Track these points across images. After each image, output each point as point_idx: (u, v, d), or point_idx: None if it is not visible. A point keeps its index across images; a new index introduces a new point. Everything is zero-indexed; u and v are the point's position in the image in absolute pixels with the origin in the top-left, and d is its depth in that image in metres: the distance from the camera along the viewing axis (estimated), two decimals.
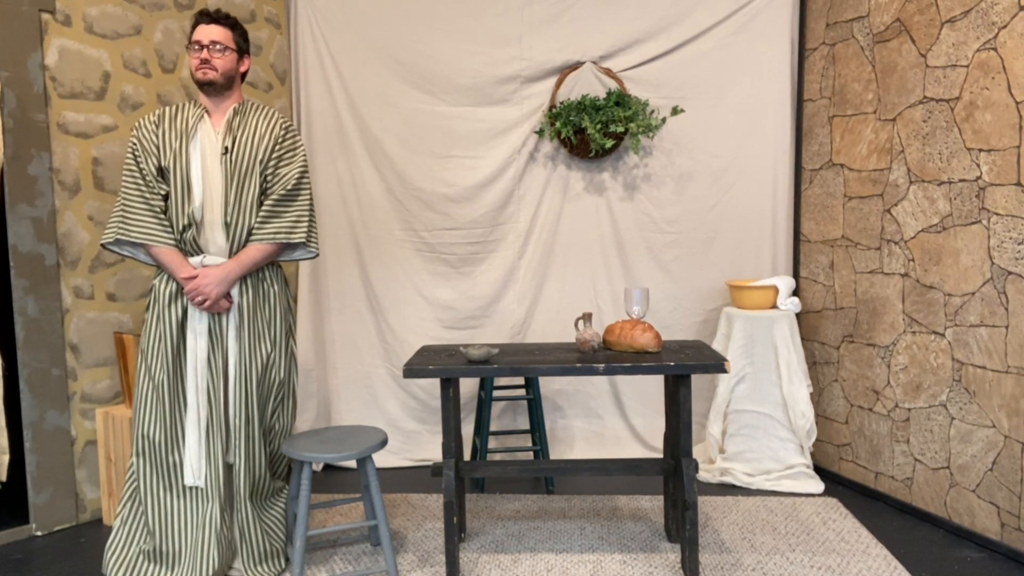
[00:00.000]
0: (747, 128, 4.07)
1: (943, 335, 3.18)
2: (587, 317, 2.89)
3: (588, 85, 4.04)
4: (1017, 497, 2.89)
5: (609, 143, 3.89)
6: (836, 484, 3.76)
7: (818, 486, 3.63)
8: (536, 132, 4.08)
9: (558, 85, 4.04)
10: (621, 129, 3.86)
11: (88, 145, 3.36)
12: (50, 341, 3.26)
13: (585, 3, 4.04)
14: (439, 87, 4.07)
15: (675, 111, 3.95)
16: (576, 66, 4.05)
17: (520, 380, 4.03)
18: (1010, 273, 2.88)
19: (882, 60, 3.46)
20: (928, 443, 3.28)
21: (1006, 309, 2.90)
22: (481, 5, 4.05)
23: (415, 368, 2.71)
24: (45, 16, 3.22)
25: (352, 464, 4.09)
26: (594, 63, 4.05)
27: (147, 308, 2.79)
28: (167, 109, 2.77)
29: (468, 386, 4.16)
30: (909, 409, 3.37)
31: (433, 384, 4.16)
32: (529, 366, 2.72)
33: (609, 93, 3.97)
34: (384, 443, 2.85)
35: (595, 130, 3.85)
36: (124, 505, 2.78)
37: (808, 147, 3.99)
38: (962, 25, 3.05)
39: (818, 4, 3.88)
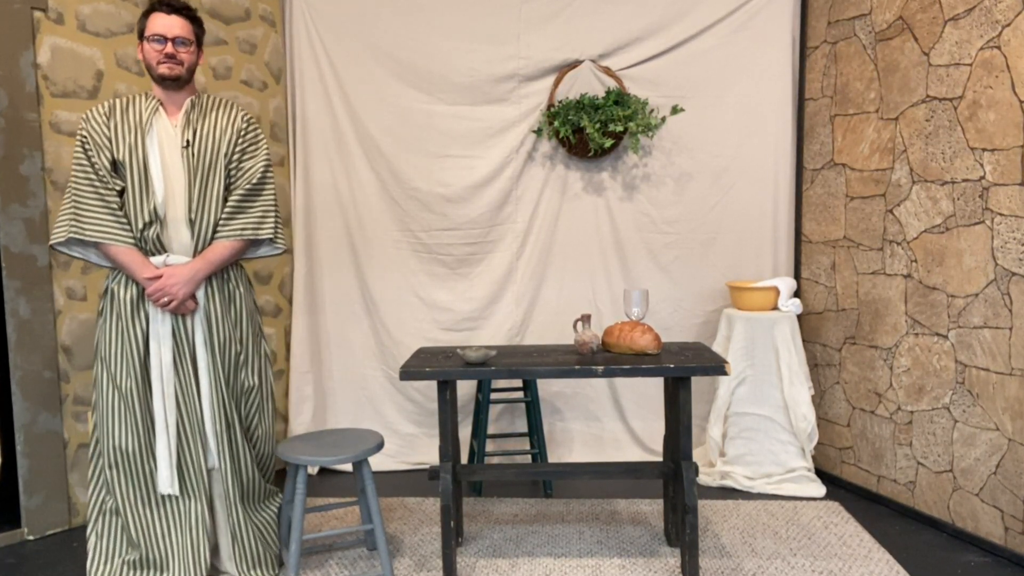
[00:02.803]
0: (748, 127, 4.04)
1: (946, 337, 3.15)
2: (586, 319, 2.86)
3: (587, 84, 4.01)
4: (1021, 501, 2.85)
5: (608, 142, 3.86)
6: (838, 488, 3.73)
7: (819, 490, 3.60)
8: (534, 131, 4.04)
9: (556, 84, 4.01)
10: (620, 128, 3.83)
11: None
12: (42, 343, 3.22)
13: (583, 1, 4.01)
14: (436, 86, 4.04)
15: (675, 110, 3.91)
16: (575, 64, 4.02)
17: (518, 382, 4.00)
18: (1014, 274, 2.85)
19: (884, 58, 3.43)
20: (931, 446, 3.24)
21: (1010, 311, 2.87)
22: (479, 3, 4.02)
23: (412, 370, 2.68)
24: (37, 14, 3.18)
25: (348, 468, 4.06)
26: (593, 61, 4.02)
27: (100, 313, 2.66)
28: (117, 101, 2.63)
29: (465, 388, 4.13)
30: (912, 412, 3.33)
31: (430, 387, 4.12)
32: (527, 368, 2.69)
33: (608, 92, 3.94)
34: (380, 446, 2.83)
35: (594, 129, 3.81)
36: (95, 521, 2.70)
37: (809, 147, 3.96)
38: (965, 23, 3.02)
39: (819, 2, 3.85)
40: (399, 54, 4.03)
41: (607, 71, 4.01)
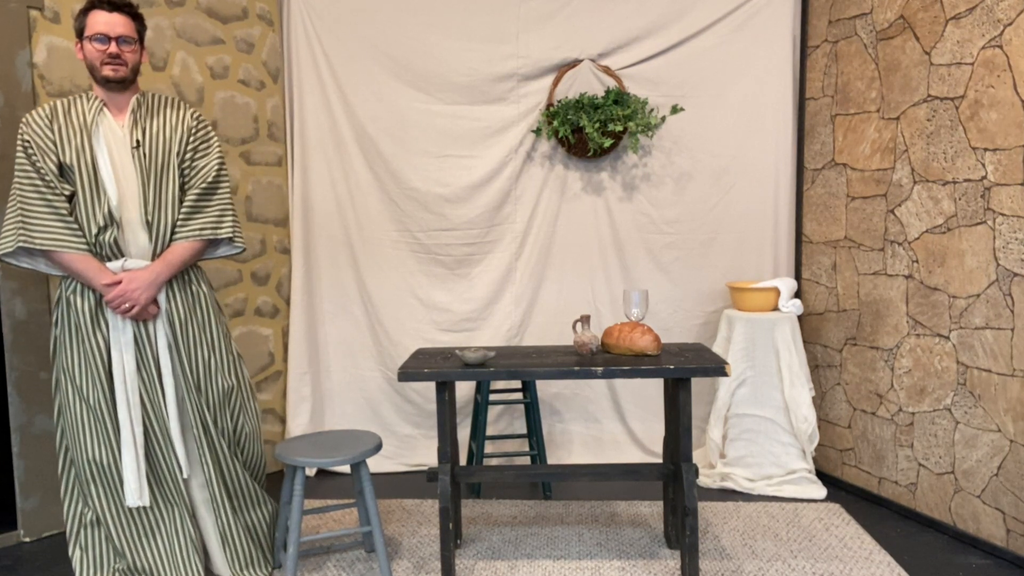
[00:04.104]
0: (748, 127, 4.02)
1: (948, 338, 3.13)
2: (585, 319, 2.84)
3: (586, 83, 3.99)
4: (1023, 503, 2.84)
5: (607, 142, 3.84)
6: (839, 489, 3.71)
7: (820, 491, 3.58)
8: (533, 131, 4.02)
9: (556, 83, 3.99)
10: (620, 128, 3.81)
11: None
12: (38, 344, 3.20)
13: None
14: (434, 85, 4.02)
15: (675, 110, 3.89)
16: (574, 64, 4.00)
17: (517, 384, 3.98)
18: (1016, 275, 2.83)
19: (885, 58, 3.41)
20: (932, 448, 3.23)
21: (1012, 311, 2.85)
22: (477, 2, 4.00)
23: (410, 371, 2.66)
24: (33, 13, 3.16)
25: (346, 469, 4.04)
26: (592, 61, 4.00)
27: (55, 323, 2.59)
28: (58, 103, 2.53)
29: (464, 390, 4.11)
30: (913, 413, 3.31)
31: (428, 388, 4.10)
32: (526, 369, 2.67)
33: (608, 91, 3.92)
34: (378, 448, 2.81)
35: (593, 129, 3.79)
36: (77, 534, 2.66)
37: (810, 146, 3.94)
38: (967, 22, 3.00)
39: (820, 1, 3.83)
40: (397, 53, 4.01)
41: (606, 70, 3.99)
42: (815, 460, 3.87)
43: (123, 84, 2.55)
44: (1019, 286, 2.83)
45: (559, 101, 3.94)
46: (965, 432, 3.07)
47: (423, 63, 4.01)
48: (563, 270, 4.12)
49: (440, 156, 4.04)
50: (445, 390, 2.78)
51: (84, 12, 2.52)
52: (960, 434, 3.09)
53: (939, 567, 2.89)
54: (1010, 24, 2.83)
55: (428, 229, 4.07)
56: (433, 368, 2.69)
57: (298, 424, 4.04)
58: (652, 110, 3.99)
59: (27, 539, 3.21)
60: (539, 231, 4.09)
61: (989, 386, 2.96)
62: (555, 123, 3.87)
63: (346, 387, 4.15)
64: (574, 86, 3.99)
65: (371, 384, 4.14)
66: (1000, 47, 2.87)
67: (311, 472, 4.04)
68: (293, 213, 4.07)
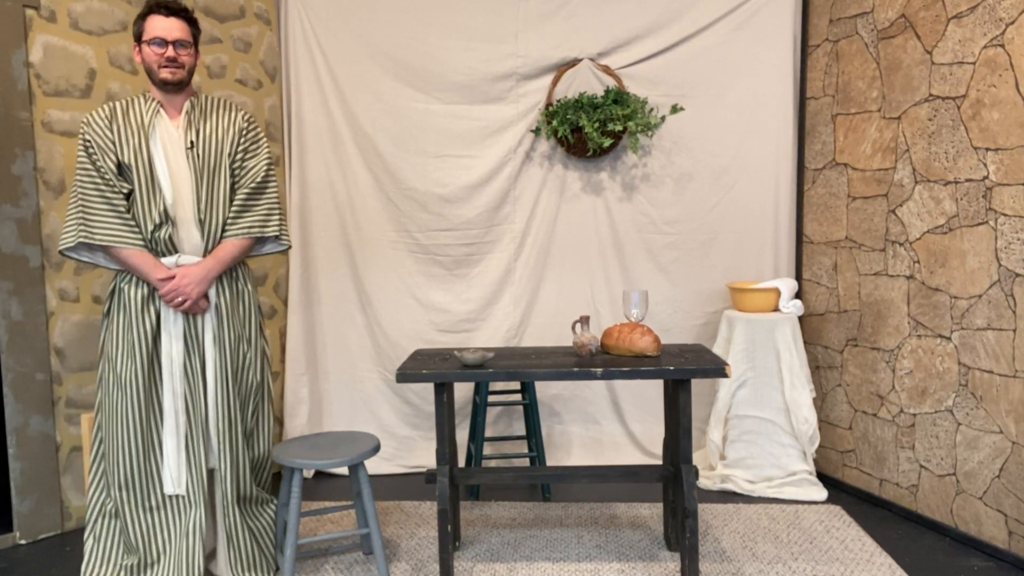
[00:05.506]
0: (748, 127, 4.01)
1: (949, 339, 3.11)
2: (584, 320, 2.83)
3: (586, 83, 3.98)
4: None
5: (607, 142, 3.83)
6: (839, 491, 3.69)
7: (821, 493, 3.56)
8: (532, 131, 4.01)
9: (555, 83, 3.97)
10: (619, 128, 3.79)
11: (73, 144, 3.28)
12: (35, 345, 3.19)
13: None
14: (433, 85, 4.00)
15: (674, 109, 3.88)
16: (573, 63, 3.98)
17: (516, 385, 3.97)
18: (1017, 275, 2.82)
19: (887, 57, 3.40)
20: (934, 449, 3.21)
21: (1013, 312, 2.84)
22: (476, 1, 3.98)
23: (408, 372, 2.65)
24: (29, 12, 3.15)
25: (344, 471, 4.03)
26: (592, 60, 3.99)
27: (107, 313, 2.66)
28: (117, 104, 2.64)
29: (463, 391, 4.10)
30: (914, 414, 3.30)
31: (427, 389, 4.09)
32: (525, 370, 2.66)
33: (607, 91, 3.90)
34: (377, 449, 2.81)
35: (593, 129, 3.78)
36: (94, 523, 2.68)
37: (811, 146, 3.92)
38: (968, 21, 2.98)
39: (820, 0, 3.82)
40: (396, 52, 4.00)
41: (606, 70, 3.98)
42: (816, 462, 3.85)
43: (179, 86, 2.64)
44: (1021, 286, 2.81)
45: (558, 101, 3.92)
46: (967, 434, 3.05)
47: (422, 62, 4.00)
48: (562, 270, 4.11)
49: (439, 156, 4.03)
50: (444, 391, 2.76)
51: (142, 17, 2.61)
52: (962, 436, 3.08)
53: (941, 569, 2.87)
54: (1012, 23, 2.81)
55: (426, 229, 4.05)
56: (432, 369, 2.68)
57: (296, 425, 4.03)
58: (652, 110, 3.97)
59: (23, 541, 3.19)
60: (538, 231, 4.08)
61: (991, 387, 2.94)
62: (554, 123, 3.86)
63: (344, 388, 4.14)
64: (573, 85, 3.98)
65: (369, 385, 4.13)
66: (1002, 46, 2.86)
67: (309, 474, 4.02)
68: (291, 213, 4.06)
